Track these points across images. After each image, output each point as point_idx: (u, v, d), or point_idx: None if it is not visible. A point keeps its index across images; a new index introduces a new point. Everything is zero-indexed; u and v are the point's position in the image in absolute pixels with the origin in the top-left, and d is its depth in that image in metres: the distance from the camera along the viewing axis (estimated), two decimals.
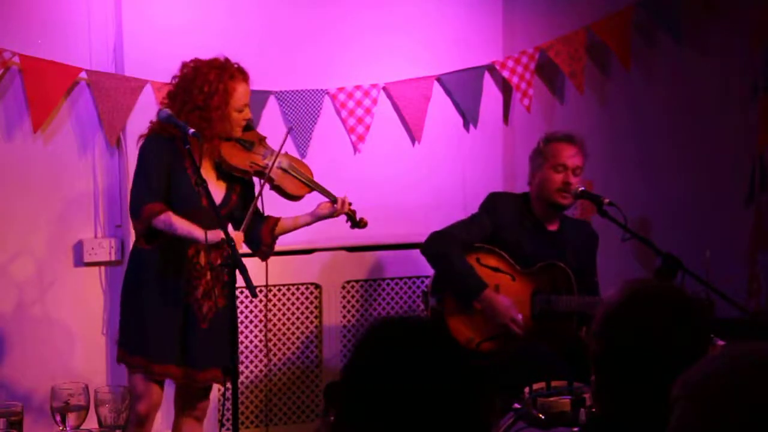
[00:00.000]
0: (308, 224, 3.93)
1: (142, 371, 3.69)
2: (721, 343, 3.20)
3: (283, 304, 4.70)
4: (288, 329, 4.72)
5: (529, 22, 5.19)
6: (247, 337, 4.62)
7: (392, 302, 4.90)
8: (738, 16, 5.49)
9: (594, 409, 2.76)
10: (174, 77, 3.77)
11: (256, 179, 3.88)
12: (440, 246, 4.17)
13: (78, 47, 4.42)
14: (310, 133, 4.75)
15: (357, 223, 4.02)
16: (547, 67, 5.21)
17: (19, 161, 4.40)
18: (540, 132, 4.54)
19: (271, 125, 4.71)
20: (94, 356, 4.54)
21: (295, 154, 4.75)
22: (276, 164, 3.81)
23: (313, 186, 3.93)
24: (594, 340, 2.05)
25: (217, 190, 3.75)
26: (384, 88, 4.88)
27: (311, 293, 4.75)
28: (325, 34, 4.79)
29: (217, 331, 3.71)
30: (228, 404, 3.75)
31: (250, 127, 3.85)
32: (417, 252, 4.33)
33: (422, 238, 4.28)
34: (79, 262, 4.50)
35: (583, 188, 4.17)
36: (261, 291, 4.62)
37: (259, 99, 4.65)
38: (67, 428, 2.64)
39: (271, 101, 4.70)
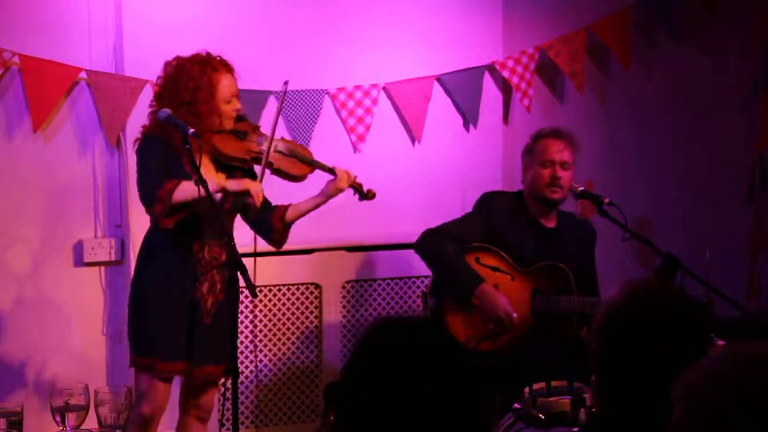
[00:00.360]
0: (318, 205, 3.90)
1: (152, 371, 3.68)
2: (721, 342, 3.20)
3: (283, 304, 4.70)
4: (288, 329, 4.72)
5: (529, 22, 5.19)
6: (247, 337, 4.62)
7: (392, 302, 4.90)
8: (738, 16, 5.49)
9: (594, 409, 2.76)
10: (158, 78, 3.76)
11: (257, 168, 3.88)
12: (433, 243, 4.17)
13: (78, 47, 4.42)
14: (310, 133, 4.75)
15: (365, 195, 4.01)
16: (547, 67, 5.21)
17: (19, 161, 4.40)
18: None
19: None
20: (94, 356, 4.54)
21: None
22: (273, 148, 3.80)
23: (313, 164, 3.92)
24: (594, 340, 2.05)
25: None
26: (384, 88, 4.88)
27: (311, 293, 4.75)
28: (326, 34, 4.79)
29: (219, 326, 3.72)
30: (228, 404, 3.75)
31: (242, 118, 3.84)
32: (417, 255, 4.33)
33: None
34: (79, 262, 4.50)
35: (583, 188, 4.17)
36: (261, 291, 4.63)
37: (259, 99, 4.66)
38: (67, 428, 2.64)
39: (271, 101, 4.70)
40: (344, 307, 4.80)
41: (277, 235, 3.89)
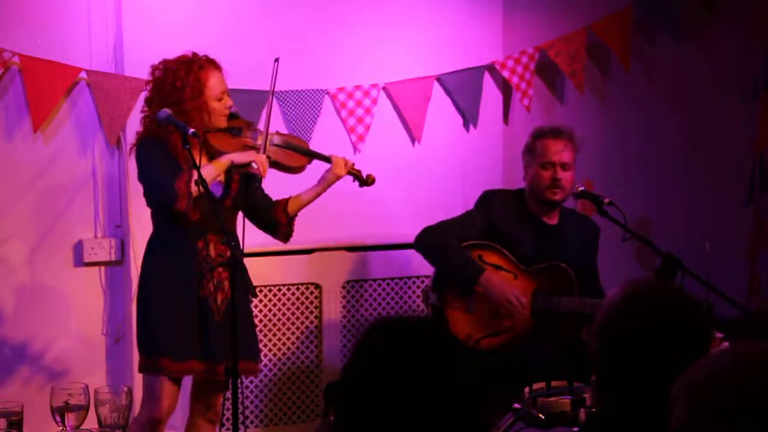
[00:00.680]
0: (318, 194, 3.91)
1: (163, 372, 3.67)
2: (720, 335, 3.20)
3: (283, 304, 4.70)
4: (288, 329, 4.72)
5: (529, 22, 5.20)
6: None
7: (392, 302, 4.90)
8: (738, 16, 5.49)
9: (594, 409, 2.76)
10: (147, 82, 3.76)
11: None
12: (433, 238, 4.18)
13: (78, 47, 4.42)
14: (310, 133, 4.75)
15: (364, 181, 4.01)
16: (547, 67, 5.21)
17: (19, 161, 4.40)
18: None
19: (271, 125, 4.71)
20: (94, 356, 4.54)
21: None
22: (269, 142, 3.80)
23: (310, 155, 3.93)
24: (594, 340, 2.05)
25: (216, 183, 3.75)
26: (384, 88, 4.88)
27: (311, 293, 4.75)
28: (326, 34, 4.79)
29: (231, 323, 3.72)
30: (228, 404, 3.75)
31: (235, 115, 3.83)
32: (417, 252, 4.33)
33: None
34: (79, 262, 4.50)
35: (583, 188, 4.18)
36: (261, 291, 4.63)
37: (259, 99, 4.66)
38: (67, 428, 2.64)
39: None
40: (344, 307, 4.80)
41: (283, 228, 3.91)
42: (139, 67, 4.40)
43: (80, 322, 4.52)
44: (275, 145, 3.85)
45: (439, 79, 4.96)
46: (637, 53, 5.34)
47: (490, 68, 5.06)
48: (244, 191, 3.83)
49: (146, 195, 3.75)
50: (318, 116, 4.77)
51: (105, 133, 4.43)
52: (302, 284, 4.73)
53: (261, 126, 3.89)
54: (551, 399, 2.99)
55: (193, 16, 4.57)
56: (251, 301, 4.59)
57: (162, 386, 3.68)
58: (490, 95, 5.09)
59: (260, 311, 4.65)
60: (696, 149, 5.52)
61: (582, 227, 4.37)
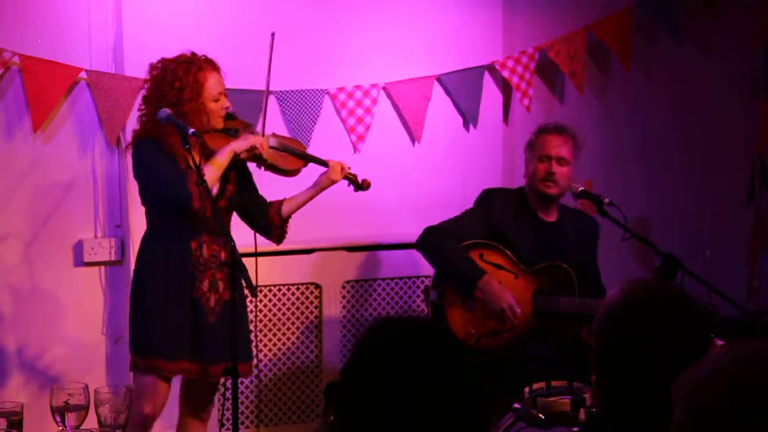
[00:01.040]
0: (312, 197, 3.92)
1: (156, 372, 3.67)
2: (720, 342, 3.19)
3: (283, 304, 4.70)
4: (288, 329, 4.72)
5: (529, 22, 5.19)
6: None
7: (392, 302, 4.90)
8: (738, 16, 5.49)
9: (594, 409, 2.76)
10: (145, 81, 3.76)
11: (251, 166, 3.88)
12: (434, 239, 4.18)
13: (78, 47, 4.42)
14: (310, 133, 4.75)
15: (360, 186, 4.03)
16: (547, 67, 5.21)
17: (19, 161, 4.40)
18: None
19: (272, 125, 4.72)
20: (94, 356, 4.53)
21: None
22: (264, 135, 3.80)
23: (306, 158, 3.93)
24: (595, 340, 2.05)
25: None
26: (384, 88, 4.88)
27: (311, 293, 4.75)
28: (325, 34, 4.79)
29: (226, 324, 3.71)
30: (228, 404, 3.75)
31: (232, 116, 3.83)
32: (417, 252, 4.33)
33: None
34: (79, 262, 4.50)
35: (583, 188, 4.18)
36: (261, 291, 4.63)
37: (259, 99, 4.65)
38: (67, 428, 2.64)
39: (271, 101, 4.70)
40: (344, 307, 4.80)
41: (276, 230, 3.91)
42: (139, 67, 4.40)
43: (80, 322, 4.52)
44: (272, 147, 3.85)
45: (439, 79, 4.96)
46: (637, 53, 5.34)
47: (490, 68, 5.06)
48: (239, 191, 3.82)
49: (150, 193, 3.74)
50: (318, 116, 4.77)
51: (105, 132, 4.43)
52: (302, 284, 4.73)
53: (258, 128, 3.88)
54: (551, 399, 2.99)
55: (192, 16, 4.57)
56: (252, 301, 4.60)
57: (153, 385, 3.68)
58: (490, 95, 5.09)
59: (260, 311, 4.65)
60: (696, 149, 5.53)
61: (581, 224, 4.37)
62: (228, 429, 3.84)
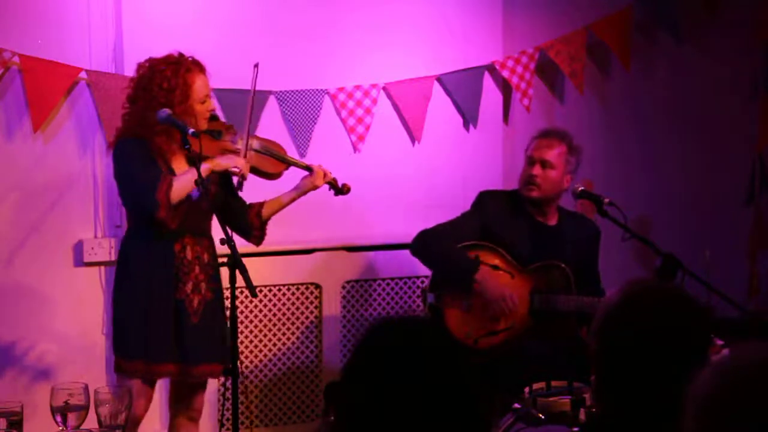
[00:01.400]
0: (293, 200, 3.93)
1: (141, 375, 3.67)
2: (720, 342, 3.20)
3: (283, 304, 4.70)
4: (288, 329, 4.72)
5: (529, 22, 5.19)
6: (247, 336, 4.62)
7: (392, 302, 4.90)
8: (738, 16, 5.49)
9: (594, 409, 2.76)
10: (131, 80, 3.75)
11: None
12: (428, 242, 4.18)
13: (78, 47, 4.42)
14: (310, 133, 4.75)
15: (340, 190, 4.03)
16: (547, 67, 5.21)
17: (19, 161, 4.40)
18: None
19: (271, 125, 4.72)
20: (94, 356, 4.53)
21: (295, 154, 4.76)
22: (248, 146, 3.79)
23: (288, 162, 3.93)
24: (594, 340, 2.05)
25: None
26: (384, 88, 4.88)
27: (311, 293, 4.75)
28: (325, 34, 4.79)
29: (208, 325, 3.72)
30: (228, 404, 3.75)
31: (214, 117, 3.83)
32: (414, 256, 4.33)
33: None
34: (79, 262, 4.50)
35: (583, 188, 4.17)
36: (261, 291, 4.63)
37: (259, 99, 4.66)
38: (67, 428, 2.64)
39: (271, 101, 4.71)
40: (344, 307, 4.80)
41: (256, 231, 3.90)
42: None
43: (80, 321, 4.52)
44: (254, 150, 3.85)
45: (439, 79, 4.96)
46: (637, 53, 5.34)
47: (490, 68, 5.06)
48: (222, 194, 3.82)
49: (124, 197, 3.75)
50: (318, 116, 4.77)
51: (105, 133, 4.43)
52: (302, 284, 4.73)
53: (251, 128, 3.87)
54: (551, 399, 2.99)
55: (192, 16, 4.57)
56: (252, 301, 4.60)
57: (138, 388, 3.67)
58: (490, 95, 5.09)
59: (260, 311, 4.65)
60: (696, 149, 5.53)
61: (581, 229, 4.37)
62: (228, 429, 3.84)
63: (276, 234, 4.75)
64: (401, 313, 4.88)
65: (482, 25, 5.06)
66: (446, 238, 4.16)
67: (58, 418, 2.64)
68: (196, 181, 3.57)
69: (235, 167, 3.70)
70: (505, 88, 5.13)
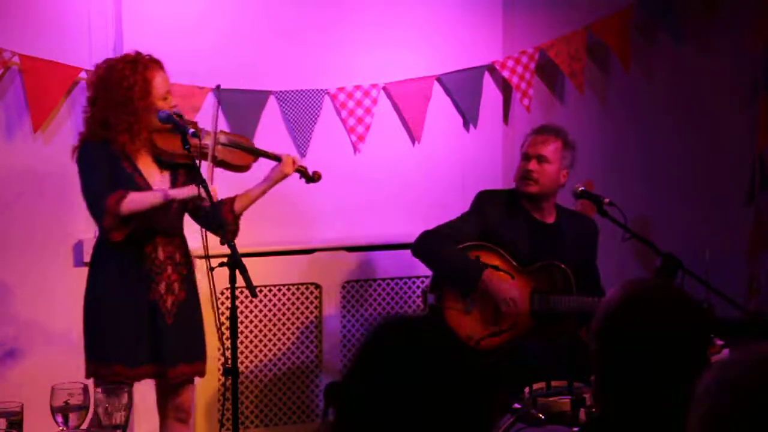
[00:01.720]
0: (265, 191, 3.86)
1: (120, 379, 3.65)
2: (720, 342, 3.20)
3: (283, 304, 4.70)
4: (288, 329, 4.72)
5: (529, 22, 5.19)
6: (247, 336, 4.62)
7: (392, 302, 4.90)
8: (738, 16, 5.49)
9: (594, 409, 2.76)
10: (90, 82, 3.73)
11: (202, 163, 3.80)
12: (430, 243, 4.18)
13: (78, 47, 4.42)
14: (310, 133, 4.75)
15: (311, 178, 3.99)
16: (547, 67, 5.21)
17: (19, 161, 4.40)
18: None
19: (271, 125, 4.72)
20: None
21: (296, 155, 4.76)
22: (216, 141, 3.75)
23: (256, 153, 3.90)
24: (594, 340, 2.05)
25: (162, 183, 3.74)
26: (384, 88, 4.88)
27: (311, 293, 4.75)
28: (325, 34, 4.79)
29: (183, 325, 3.72)
30: (228, 404, 3.75)
31: (179, 115, 3.77)
32: (416, 258, 4.33)
33: None
34: (79, 262, 4.49)
35: (583, 188, 4.17)
36: (261, 291, 4.63)
37: (259, 99, 4.66)
38: (67, 428, 2.64)
39: (271, 101, 4.71)
40: (344, 307, 4.80)
41: (230, 227, 3.85)
42: None
43: (80, 321, 4.51)
44: (222, 144, 3.81)
45: (439, 79, 4.96)
46: (637, 53, 5.34)
47: (490, 68, 5.06)
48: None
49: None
50: (318, 116, 4.77)
51: None
52: (302, 284, 4.73)
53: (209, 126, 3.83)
54: (551, 399, 2.99)
55: (192, 16, 4.57)
56: (252, 301, 4.60)
57: None
58: (490, 95, 5.09)
59: (260, 311, 4.65)
60: (696, 149, 5.53)
61: (580, 226, 4.36)
62: (228, 429, 3.84)
63: (276, 234, 4.77)
64: (402, 313, 4.87)
65: (482, 25, 5.06)
66: (448, 240, 4.16)
67: (58, 418, 2.64)
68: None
69: (197, 196, 3.60)
70: (505, 88, 5.13)
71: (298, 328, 4.74)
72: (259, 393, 4.68)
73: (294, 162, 3.89)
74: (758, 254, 5.50)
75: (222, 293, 4.26)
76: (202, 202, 3.66)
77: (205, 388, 4.46)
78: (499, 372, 3.95)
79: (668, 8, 5.33)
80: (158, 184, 3.70)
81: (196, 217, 3.85)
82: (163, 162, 3.76)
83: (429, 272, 4.36)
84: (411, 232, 4.36)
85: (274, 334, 4.69)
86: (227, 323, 3.65)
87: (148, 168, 3.71)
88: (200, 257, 4.16)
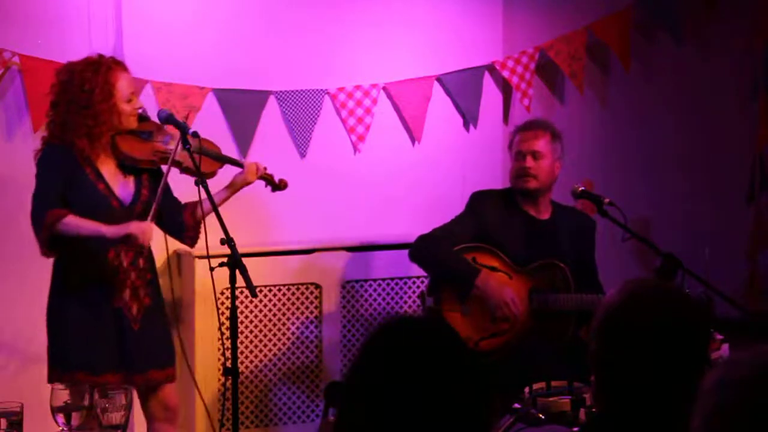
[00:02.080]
0: (226, 198, 3.84)
1: (83, 385, 3.63)
2: (720, 336, 3.20)
3: (283, 304, 4.70)
4: (288, 329, 4.71)
5: (529, 22, 5.20)
6: (247, 337, 4.61)
7: (392, 302, 4.90)
8: (738, 16, 5.50)
9: (594, 409, 2.76)
10: (52, 85, 3.70)
11: (164, 167, 3.77)
12: (426, 246, 4.18)
13: (78, 47, 4.41)
14: (310, 133, 4.75)
15: (277, 186, 3.97)
16: (547, 67, 5.21)
17: (19, 161, 4.40)
18: None
19: (271, 125, 4.72)
20: None
21: (296, 155, 4.77)
22: (180, 147, 3.68)
23: (222, 160, 3.87)
24: (594, 340, 2.05)
25: (126, 188, 3.72)
26: (384, 88, 4.88)
27: (311, 293, 4.75)
28: (325, 34, 4.79)
29: (150, 331, 3.70)
30: (228, 404, 3.75)
31: (144, 118, 3.78)
32: (413, 262, 4.33)
33: None
34: None
35: (583, 188, 4.17)
36: (261, 291, 4.63)
37: (259, 99, 4.66)
38: (68, 428, 2.64)
39: (271, 101, 4.71)
40: (344, 307, 4.79)
41: (190, 232, 3.84)
42: (139, 67, 4.40)
43: None
44: (187, 149, 3.72)
45: (439, 79, 4.96)
46: (637, 53, 5.34)
47: (490, 68, 5.06)
48: (154, 196, 3.73)
49: None
50: (318, 116, 4.77)
51: None
52: (302, 284, 4.73)
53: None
54: (551, 399, 2.99)
55: (192, 16, 4.57)
56: (252, 301, 4.60)
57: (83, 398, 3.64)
58: (490, 95, 5.09)
59: (260, 311, 4.65)
60: (696, 149, 5.53)
61: (575, 221, 4.35)
62: (228, 429, 3.84)
63: (276, 234, 4.77)
64: (402, 314, 4.87)
65: (482, 25, 5.06)
66: (443, 243, 4.16)
67: (58, 418, 2.64)
68: (196, 182, 3.56)
69: (133, 236, 3.55)
70: (505, 88, 5.13)
71: (298, 328, 4.73)
72: (259, 393, 4.68)
73: (258, 170, 3.86)
74: (758, 254, 5.50)
75: (222, 293, 4.26)
76: (135, 248, 3.62)
77: (205, 388, 4.46)
78: (499, 372, 3.95)
79: (668, 8, 5.33)
80: (121, 189, 3.67)
81: (157, 220, 3.76)
82: (126, 167, 3.73)
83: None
84: (411, 232, 4.36)
85: (274, 334, 4.69)
86: (227, 323, 3.65)
87: (111, 173, 3.69)
88: (200, 257, 4.17)
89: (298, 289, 4.73)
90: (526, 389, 3.04)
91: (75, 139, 3.60)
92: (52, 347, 3.70)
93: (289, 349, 4.73)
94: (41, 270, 4.44)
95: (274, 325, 4.69)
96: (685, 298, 2.07)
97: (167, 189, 3.79)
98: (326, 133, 4.80)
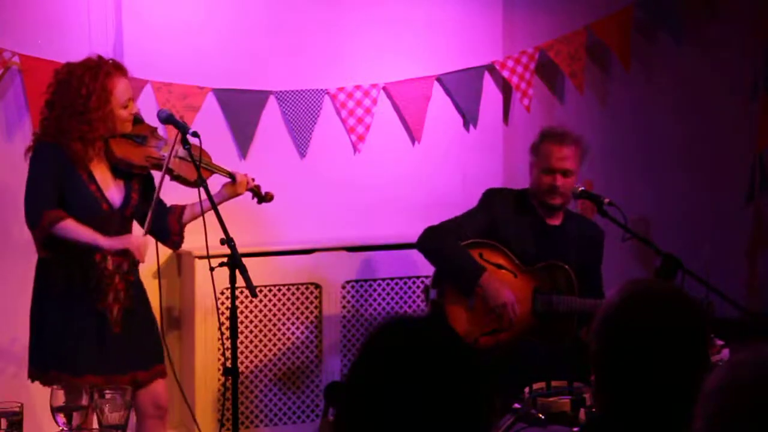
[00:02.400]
0: (212, 209, 3.78)
1: (63, 385, 3.62)
2: (720, 342, 3.20)
3: (283, 304, 4.70)
4: (288, 329, 4.71)
5: (529, 22, 5.20)
6: (247, 337, 4.61)
7: (392, 302, 4.90)
8: (738, 16, 5.50)
9: (594, 409, 2.76)
10: (49, 85, 3.68)
11: (155, 172, 3.76)
12: (434, 238, 4.17)
13: (78, 47, 4.41)
14: (310, 133, 4.75)
15: (263, 198, 3.97)
16: (547, 67, 5.21)
17: (19, 161, 4.40)
18: None
19: (271, 125, 4.72)
20: None
21: (295, 155, 4.77)
22: (173, 154, 3.68)
23: (213, 169, 3.85)
24: (594, 340, 2.05)
25: (117, 192, 3.71)
26: (384, 88, 4.88)
27: (311, 293, 4.75)
28: (325, 34, 4.80)
29: (132, 333, 3.69)
30: (228, 404, 3.75)
31: (139, 120, 3.76)
32: (417, 252, 4.33)
33: None
34: None
35: (583, 188, 4.17)
36: (261, 291, 4.63)
37: (259, 99, 4.66)
38: (68, 428, 2.64)
39: (271, 101, 4.71)
40: (344, 307, 4.79)
41: (174, 236, 3.84)
42: (139, 67, 4.40)
43: None
44: (179, 157, 3.71)
45: (439, 79, 4.96)
46: (637, 53, 5.34)
47: (490, 68, 5.06)
48: (143, 199, 3.74)
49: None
50: (318, 116, 4.77)
51: None
52: (302, 284, 4.73)
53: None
54: (551, 399, 2.99)
55: (192, 16, 4.57)
56: (252, 301, 4.60)
57: (65, 397, 3.63)
58: (490, 95, 5.09)
59: (260, 311, 4.65)
60: (696, 149, 5.53)
61: (585, 230, 4.34)
62: (228, 429, 3.84)
63: (276, 234, 4.77)
64: (403, 314, 4.87)
65: (482, 25, 5.06)
66: (451, 236, 4.15)
67: (58, 418, 2.64)
68: (196, 182, 3.56)
69: (129, 250, 3.57)
70: (505, 88, 5.14)
71: (298, 328, 4.73)
72: (259, 393, 4.68)
73: (248, 182, 3.86)
74: (758, 254, 5.50)
75: (222, 293, 4.26)
76: (129, 264, 3.63)
77: (205, 388, 4.46)
78: (499, 372, 3.95)
79: (668, 8, 5.33)
80: (112, 193, 3.67)
81: (141, 221, 3.76)
82: (118, 171, 3.71)
83: (429, 273, 4.36)
84: (411, 232, 4.35)
85: (274, 334, 4.69)
86: (227, 323, 3.64)
87: (103, 176, 3.67)
88: (200, 257, 4.17)
89: (298, 289, 4.73)
90: (526, 389, 3.04)
91: (69, 143, 3.59)
92: (33, 348, 3.71)
93: (288, 349, 4.73)
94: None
95: (274, 325, 4.69)
96: (685, 298, 2.06)
97: (153, 191, 3.76)
98: (326, 133, 4.80)
